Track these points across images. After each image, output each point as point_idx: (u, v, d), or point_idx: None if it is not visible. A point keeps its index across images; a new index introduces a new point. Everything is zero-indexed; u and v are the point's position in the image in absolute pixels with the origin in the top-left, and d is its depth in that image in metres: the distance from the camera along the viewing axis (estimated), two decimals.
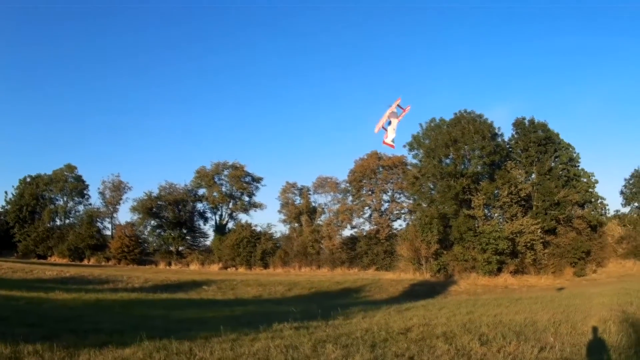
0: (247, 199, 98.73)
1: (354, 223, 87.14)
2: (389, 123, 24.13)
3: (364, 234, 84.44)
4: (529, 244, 61.67)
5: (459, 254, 61.99)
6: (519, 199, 63.81)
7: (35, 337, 12.34)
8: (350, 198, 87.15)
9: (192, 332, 15.14)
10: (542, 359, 11.30)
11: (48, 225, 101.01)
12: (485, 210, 65.32)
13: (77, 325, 16.03)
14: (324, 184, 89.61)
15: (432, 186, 70.02)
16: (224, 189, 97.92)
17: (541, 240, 62.11)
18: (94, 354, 10.90)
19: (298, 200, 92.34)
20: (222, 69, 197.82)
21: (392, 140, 24.80)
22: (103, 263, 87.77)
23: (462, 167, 66.89)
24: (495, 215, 66.64)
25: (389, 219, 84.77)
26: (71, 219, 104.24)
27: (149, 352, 11.37)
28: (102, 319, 18.69)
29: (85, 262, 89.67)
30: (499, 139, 68.89)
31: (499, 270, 59.84)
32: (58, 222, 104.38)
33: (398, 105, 25.32)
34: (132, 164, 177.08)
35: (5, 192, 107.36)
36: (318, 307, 23.55)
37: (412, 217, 76.97)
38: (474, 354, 11.86)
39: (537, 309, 23.39)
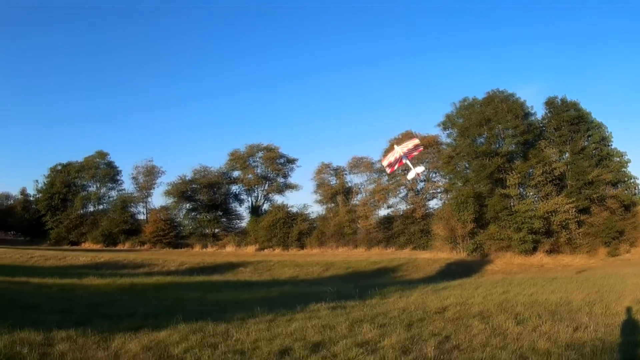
0: (282, 180, 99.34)
1: (389, 202, 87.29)
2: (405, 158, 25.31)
3: (400, 213, 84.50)
4: (563, 223, 61.59)
5: (494, 233, 62.14)
6: (553, 178, 63.77)
7: (68, 323, 12.48)
8: (385, 178, 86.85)
9: (228, 313, 15.25)
10: (577, 339, 11.13)
11: (80, 212, 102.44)
12: (520, 189, 65.30)
13: (111, 310, 16.20)
14: (358, 164, 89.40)
15: (466, 165, 70.03)
16: (258, 170, 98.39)
17: (575, 220, 61.81)
18: (128, 337, 10.97)
19: (333, 181, 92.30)
20: (256, 50, 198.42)
21: (417, 171, 26.25)
22: (137, 247, 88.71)
23: (496, 146, 66.95)
24: (530, 194, 66.57)
25: (425, 198, 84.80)
26: (104, 204, 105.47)
27: (185, 335, 11.45)
28: (137, 303, 18.71)
29: (120, 247, 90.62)
30: (532, 118, 68.78)
31: (534, 249, 59.78)
32: (91, 209, 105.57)
33: (410, 149, 26.57)
34: (164, 149, 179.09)
35: (36, 181, 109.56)
36: (355, 287, 23.44)
37: (448, 197, 76.86)
38: (510, 333, 11.85)
39: (571, 289, 23.26)
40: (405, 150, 28.92)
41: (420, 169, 30.73)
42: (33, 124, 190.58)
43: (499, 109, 65.43)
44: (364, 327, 12.21)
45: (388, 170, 32.92)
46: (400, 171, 67.02)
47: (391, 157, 29.13)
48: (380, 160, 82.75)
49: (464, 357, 9.46)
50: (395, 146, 30.04)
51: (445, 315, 14.54)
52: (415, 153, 30.07)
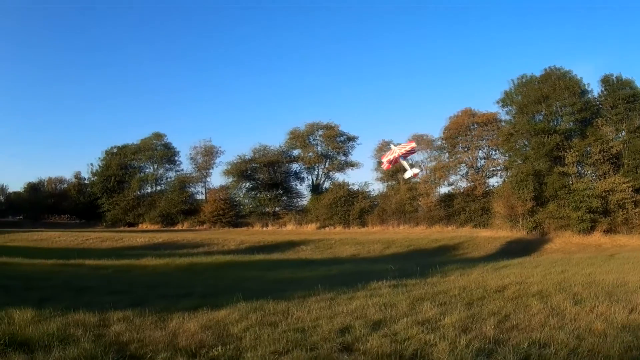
0: (342, 158, 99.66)
1: (450, 180, 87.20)
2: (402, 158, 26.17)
3: (461, 191, 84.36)
4: (620, 203, 60.70)
5: (553, 212, 61.85)
6: (610, 156, 63.00)
7: (124, 304, 12.49)
8: (445, 155, 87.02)
9: (289, 292, 15.30)
10: (632, 320, 10.76)
11: (137, 193, 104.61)
12: (578, 167, 64.88)
13: (169, 290, 16.29)
14: (419, 142, 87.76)
15: (525, 142, 69.53)
16: (318, 149, 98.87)
17: (632, 200, 60.76)
18: (186, 317, 10.94)
19: None
20: (315, 27, 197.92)
21: (413, 172, 27.11)
22: (196, 227, 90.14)
23: (554, 123, 66.50)
24: (588, 172, 66.04)
25: (485, 175, 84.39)
26: (162, 185, 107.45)
27: (245, 313, 11.46)
28: (195, 283, 18.92)
29: (178, 227, 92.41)
30: (588, 96, 67.75)
31: (592, 228, 59.26)
32: (148, 190, 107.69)
33: (407, 151, 27.53)
34: (222, 129, 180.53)
35: (90, 165, 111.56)
36: (416, 264, 23.44)
37: (507, 174, 76.39)
38: (568, 313, 11.59)
39: (628, 269, 22.82)
40: (403, 151, 30.17)
41: (415, 170, 31.95)
42: (85, 108, 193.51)
43: (556, 86, 65.15)
44: (424, 306, 12.23)
45: (385, 166, 34.41)
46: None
47: (389, 156, 30.42)
48: (440, 137, 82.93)
49: (522, 336, 9.22)
50: (392, 146, 31.20)
51: (504, 294, 14.49)
52: (410, 155, 31.46)
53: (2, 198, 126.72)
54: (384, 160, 31.16)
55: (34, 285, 16.24)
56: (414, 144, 34.23)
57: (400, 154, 29.66)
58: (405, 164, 29.86)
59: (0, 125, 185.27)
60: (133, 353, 7.97)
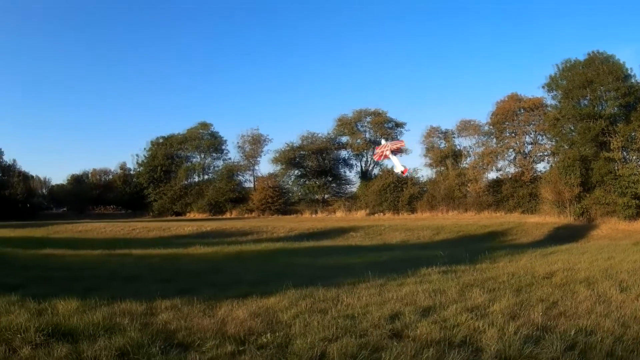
0: None
1: (498, 166, 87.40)
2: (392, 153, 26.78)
3: (509, 176, 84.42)
4: None
5: (599, 198, 61.42)
6: None
7: (172, 292, 12.48)
8: (493, 140, 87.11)
9: (339, 278, 15.32)
10: None
11: (184, 182, 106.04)
12: (623, 153, 64.03)
13: (217, 278, 16.37)
14: (467, 127, 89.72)
15: (571, 128, 69.14)
16: (366, 135, 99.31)
17: None
18: (235, 304, 10.94)
19: (442, 144, 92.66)
20: (362, 14, 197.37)
21: (402, 167, 27.51)
22: (245, 215, 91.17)
23: (599, 108, 65.61)
24: (633, 158, 64.97)
25: (532, 161, 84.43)
26: (209, 174, 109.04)
27: (295, 300, 11.50)
28: (245, 270, 19.00)
29: (226, 215, 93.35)
30: (632, 80, 66.25)
31: (638, 214, 58.46)
32: (195, 179, 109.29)
33: (397, 147, 28.35)
34: (269, 117, 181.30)
35: (136, 155, 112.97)
36: (465, 250, 23.35)
37: (555, 159, 76.32)
38: (614, 300, 11.60)
39: None
40: (393, 147, 31.05)
41: (403, 167, 32.74)
42: (128, 100, 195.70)
43: (599, 71, 64.12)
44: (473, 292, 12.30)
45: (376, 157, 35.50)
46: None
47: (380, 150, 31.25)
48: (488, 123, 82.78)
49: (569, 324, 9.14)
50: (383, 141, 32.21)
51: (552, 280, 14.47)
52: (399, 151, 32.53)
53: (44, 191, 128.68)
54: (376, 151, 32.00)
55: (78, 275, 16.43)
56: (403, 142, 35.24)
57: (390, 149, 30.42)
58: (395, 159, 30.53)
59: (43, 120, 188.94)
60: (180, 341, 7.96)
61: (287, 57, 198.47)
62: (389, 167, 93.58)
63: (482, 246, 30.93)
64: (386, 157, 30.93)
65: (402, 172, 34.81)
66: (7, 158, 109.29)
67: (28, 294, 11.14)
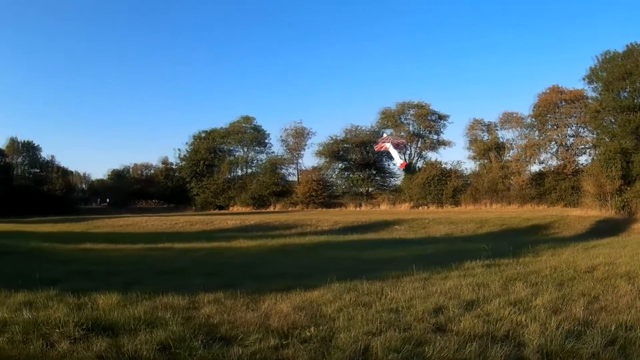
0: (434, 137, 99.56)
1: (541, 158, 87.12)
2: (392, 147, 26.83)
3: (551, 169, 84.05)
4: None
5: None
6: None
7: (215, 286, 12.51)
8: (535, 133, 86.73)
9: (383, 272, 15.31)
10: None
11: (227, 176, 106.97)
12: None
13: (261, 271, 16.47)
14: (509, 119, 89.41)
15: (612, 120, 68.35)
16: (410, 128, 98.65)
17: None
18: (279, 298, 10.96)
19: (485, 137, 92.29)
20: (401, 5, 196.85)
21: (401, 161, 27.45)
22: (289, 209, 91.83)
23: (639, 100, 64.54)
24: None
25: (574, 153, 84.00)
26: (252, 168, 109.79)
27: (339, 294, 11.45)
28: (288, 264, 19.15)
29: (270, 209, 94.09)
30: None
31: None
32: (239, 173, 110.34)
33: (398, 142, 28.34)
34: (312, 110, 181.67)
35: (178, 150, 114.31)
36: (508, 244, 23.23)
37: (596, 152, 75.94)
38: None
39: None
40: (395, 142, 31.34)
41: (401, 161, 32.94)
42: (168, 96, 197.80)
43: (639, 63, 63.25)
44: (516, 286, 12.25)
45: (376, 148, 35.98)
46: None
47: (380, 141, 31.46)
48: (530, 115, 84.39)
49: (610, 318, 9.05)
50: (385, 134, 32.30)
51: (594, 274, 14.31)
52: (400, 146, 32.65)
53: (84, 186, 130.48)
54: (378, 141, 32.55)
55: (119, 269, 16.58)
56: (404, 139, 35.53)
57: (391, 143, 30.78)
58: (394, 152, 30.76)
59: (83, 117, 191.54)
60: (223, 335, 7.93)
61: (330, 49, 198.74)
62: (433, 159, 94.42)
63: (525, 239, 30.96)
64: (385, 149, 31.37)
65: (400, 166, 35.45)
66: (45, 154, 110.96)
67: (67, 289, 11.24)
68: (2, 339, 7.36)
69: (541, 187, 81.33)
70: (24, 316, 8.45)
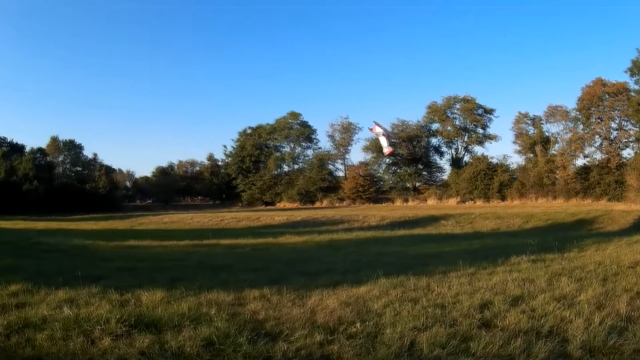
0: (481, 131, 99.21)
1: (585, 152, 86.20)
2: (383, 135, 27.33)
3: (596, 163, 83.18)
4: None
5: None
6: None
7: (262, 281, 12.65)
8: (580, 126, 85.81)
9: (430, 267, 15.31)
10: None
11: (274, 172, 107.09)
12: None
13: (308, 267, 16.38)
14: (554, 113, 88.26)
15: None
16: (457, 122, 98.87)
17: None
18: (326, 294, 11.00)
19: (531, 131, 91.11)
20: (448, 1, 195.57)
21: (387, 149, 27.61)
22: (336, 204, 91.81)
23: None
24: None
25: (618, 147, 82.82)
26: (299, 164, 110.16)
27: (385, 289, 11.48)
28: (336, 259, 19.04)
29: (317, 204, 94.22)
30: None
31: None
32: (285, 169, 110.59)
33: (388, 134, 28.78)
34: (358, 105, 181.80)
35: (224, 146, 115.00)
36: (553, 239, 22.95)
37: (639, 146, 75.50)
38: None
39: None
40: (387, 132, 31.59)
41: (388, 149, 32.98)
42: (216, 92, 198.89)
43: None
44: (561, 281, 12.18)
45: (370, 129, 36.53)
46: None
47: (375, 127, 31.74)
48: (575, 109, 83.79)
49: None
50: (377, 125, 32.65)
51: (637, 270, 13.98)
52: (390, 138, 33.01)
53: (128, 184, 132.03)
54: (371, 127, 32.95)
55: (164, 266, 16.72)
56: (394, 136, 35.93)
57: (383, 131, 31.08)
58: (383, 140, 30.81)
59: (128, 115, 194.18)
60: (269, 331, 7.94)
61: (375, 44, 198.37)
62: (479, 154, 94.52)
63: (570, 234, 30.70)
64: (377, 134, 31.53)
65: (386, 153, 35.50)
66: (88, 152, 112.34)
67: (110, 286, 11.36)
68: (41, 335, 7.42)
69: (586, 181, 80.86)
70: (65, 313, 8.52)
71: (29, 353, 6.80)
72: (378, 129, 29.70)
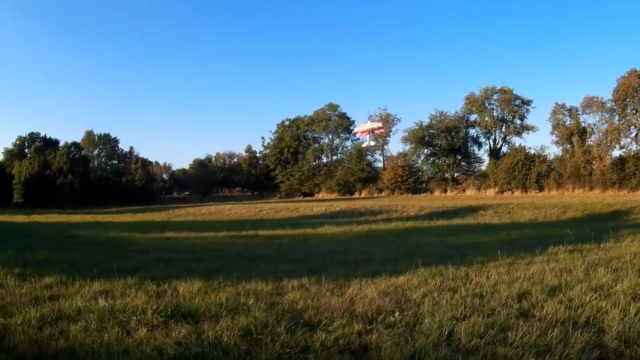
0: (518, 122, 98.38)
1: (622, 143, 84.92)
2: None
3: (632, 154, 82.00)
4: None
5: None
6: None
7: (300, 272, 12.70)
8: (616, 117, 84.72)
9: (469, 257, 15.54)
10: None
11: (313, 163, 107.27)
12: None
13: (347, 257, 16.37)
14: (590, 104, 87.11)
15: None
16: (495, 113, 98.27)
17: None
18: (365, 283, 11.11)
19: (568, 121, 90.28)
20: None
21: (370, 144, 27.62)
22: (375, 195, 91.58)
23: None
24: None
25: None
26: (338, 155, 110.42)
27: (424, 279, 11.55)
28: (374, 250, 18.93)
29: (356, 195, 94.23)
30: None
31: None
32: (324, 160, 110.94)
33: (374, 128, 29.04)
34: (396, 96, 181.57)
35: (262, 138, 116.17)
36: (590, 229, 22.65)
37: None
38: None
39: None
40: (373, 127, 31.65)
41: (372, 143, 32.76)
42: (254, 85, 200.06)
43: None
44: (598, 271, 12.17)
45: (358, 135, 36.46)
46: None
47: (363, 127, 31.61)
48: (611, 99, 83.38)
49: None
50: (369, 122, 32.56)
51: None
52: (377, 131, 32.93)
53: (165, 176, 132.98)
54: (358, 130, 32.80)
55: (202, 257, 16.80)
56: (381, 125, 35.93)
57: (369, 129, 30.98)
58: (367, 137, 30.76)
59: (164, 107, 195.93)
60: (307, 320, 7.94)
61: (413, 36, 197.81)
62: (517, 144, 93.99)
63: (607, 225, 30.38)
64: (365, 134, 31.74)
65: (368, 147, 35.52)
66: (124, 146, 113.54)
67: (147, 277, 11.51)
68: (75, 327, 7.48)
69: (622, 172, 79.66)
70: (100, 304, 8.57)
71: (62, 345, 6.84)
72: (366, 128, 30.10)
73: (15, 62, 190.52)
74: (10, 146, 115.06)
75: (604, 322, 7.78)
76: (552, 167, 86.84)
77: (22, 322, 7.76)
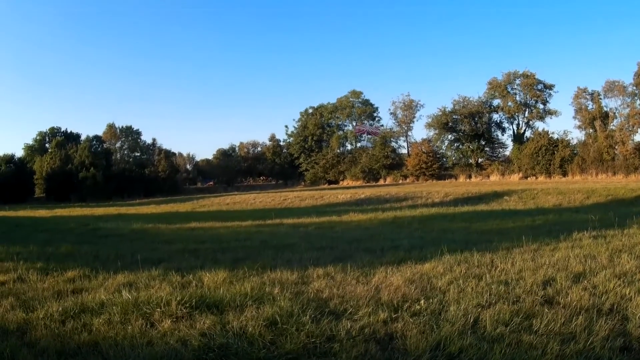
0: (541, 106, 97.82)
1: None
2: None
3: None
4: None
5: None
6: None
7: (326, 259, 12.72)
8: (638, 102, 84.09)
9: (494, 243, 15.40)
10: None
11: (337, 151, 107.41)
12: None
13: (373, 245, 16.27)
14: (612, 88, 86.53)
15: None
16: (517, 98, 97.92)
17: None
18: (390, 271, 11.03)
19: (590, 106, 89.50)
20: None
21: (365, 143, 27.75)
22: (400, 181, 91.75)
23: None
24: None
25: None
26: (363, 141, 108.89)
27: (450, 266, 11.53)
28: (400, 236, 18.86)
29: (381, 182, 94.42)
30: None
31: None
32: (348, 147, 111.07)
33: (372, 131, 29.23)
34: (419, 82, 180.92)
35: (286, 126, 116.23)
36: (614, 215, 22.40)
37: None
38: None
39: None
40: (370, 130, 31.60)
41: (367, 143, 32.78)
42: (276, 73, 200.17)
43: None
44: (622, 258, 12.02)
45: (356, 132, 36.46)
46: None
47: (362, 127, 31.55)
48: (632, 84, 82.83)
49: None
50: (365, 122, 32.68)
51: None
52: (373, 134, 33.03)
53: (189, 167, 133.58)
54: (357, 128, 32.80)
55: (226, 246, 16.74)
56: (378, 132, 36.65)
57: (366, 131, 30.93)
58: (364, 137, 30.64)
59: (186, 98, 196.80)
60: (332, 309, 7.92)
61: (434, 20, 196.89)
62: (540, 129, 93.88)
63: (630, 210, 29.90)
64: (363, 132, 31.69)
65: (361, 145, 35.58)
66: (147, 137, 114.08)
67: (171, 268, 11.55)
68: (98, 320, 7.48)
69: None
70: (124, 297, 8.56)
71: (85, 338, 6.84)
72: (362, 128, 30.09)
73: (35, 58, 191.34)
74: (30, 142, 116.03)
75: (627, 309, 7.72)
76: (575, 152, 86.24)
77: (44, 317, 7.77)
